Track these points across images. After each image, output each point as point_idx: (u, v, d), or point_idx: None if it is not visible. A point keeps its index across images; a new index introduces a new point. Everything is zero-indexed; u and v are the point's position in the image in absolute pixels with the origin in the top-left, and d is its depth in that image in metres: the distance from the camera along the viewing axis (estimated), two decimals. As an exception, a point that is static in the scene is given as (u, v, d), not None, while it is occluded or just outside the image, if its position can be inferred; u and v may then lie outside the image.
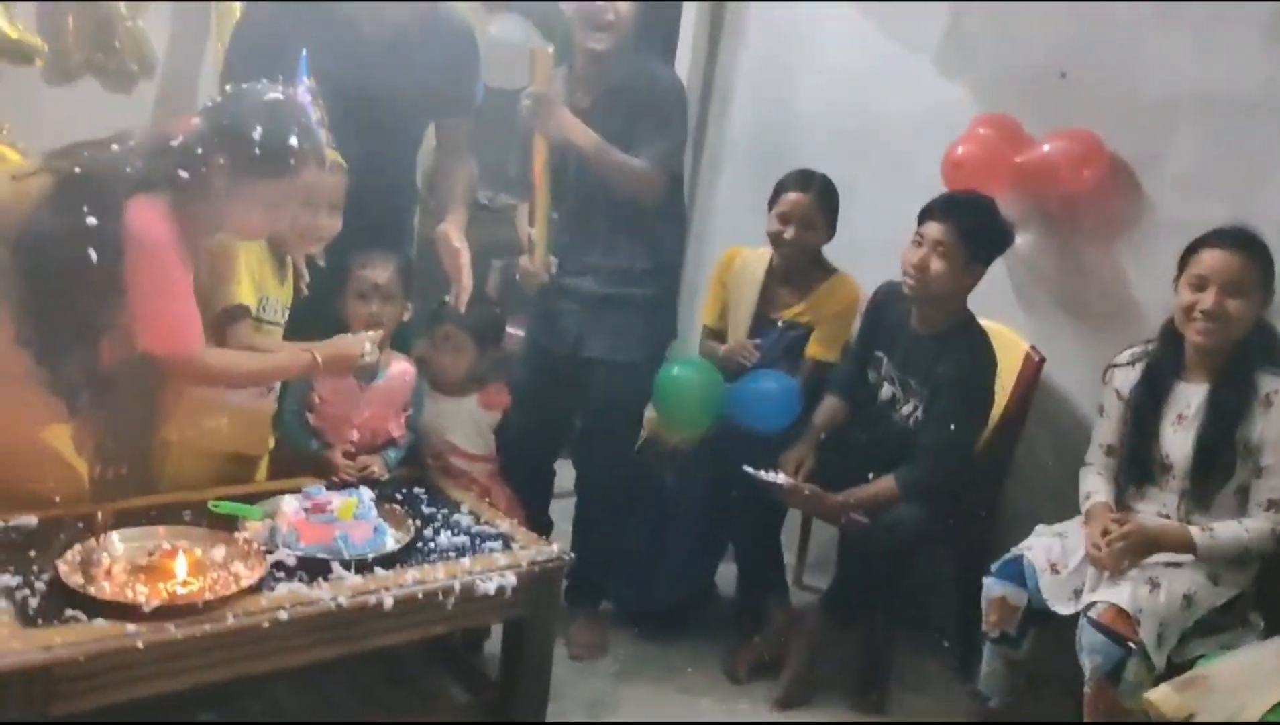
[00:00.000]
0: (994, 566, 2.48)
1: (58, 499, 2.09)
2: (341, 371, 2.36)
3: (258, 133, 2.03)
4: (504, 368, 2.78)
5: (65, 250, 1.95)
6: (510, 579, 2.12)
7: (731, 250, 3.17)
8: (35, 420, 2.07)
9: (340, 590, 1.95)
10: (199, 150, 2.04)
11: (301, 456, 2.48)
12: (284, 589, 1.93)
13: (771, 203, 2.97)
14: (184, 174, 2.03)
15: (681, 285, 3.86)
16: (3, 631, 1.70)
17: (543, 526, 2.91)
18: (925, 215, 2.67)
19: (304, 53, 2.32)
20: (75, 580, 1.82)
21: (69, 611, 1.76)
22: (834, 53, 3.53)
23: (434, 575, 2.06)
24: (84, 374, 2.06)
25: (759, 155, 3.68)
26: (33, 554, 1.92)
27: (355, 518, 2.11)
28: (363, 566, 2.03)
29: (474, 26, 2.74)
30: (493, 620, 2.35)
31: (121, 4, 2.65)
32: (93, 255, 1.95)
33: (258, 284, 2.33)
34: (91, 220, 1.95)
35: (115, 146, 2.07)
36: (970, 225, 2.61)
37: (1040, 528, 2.51)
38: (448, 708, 2.38)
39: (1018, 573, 2.42)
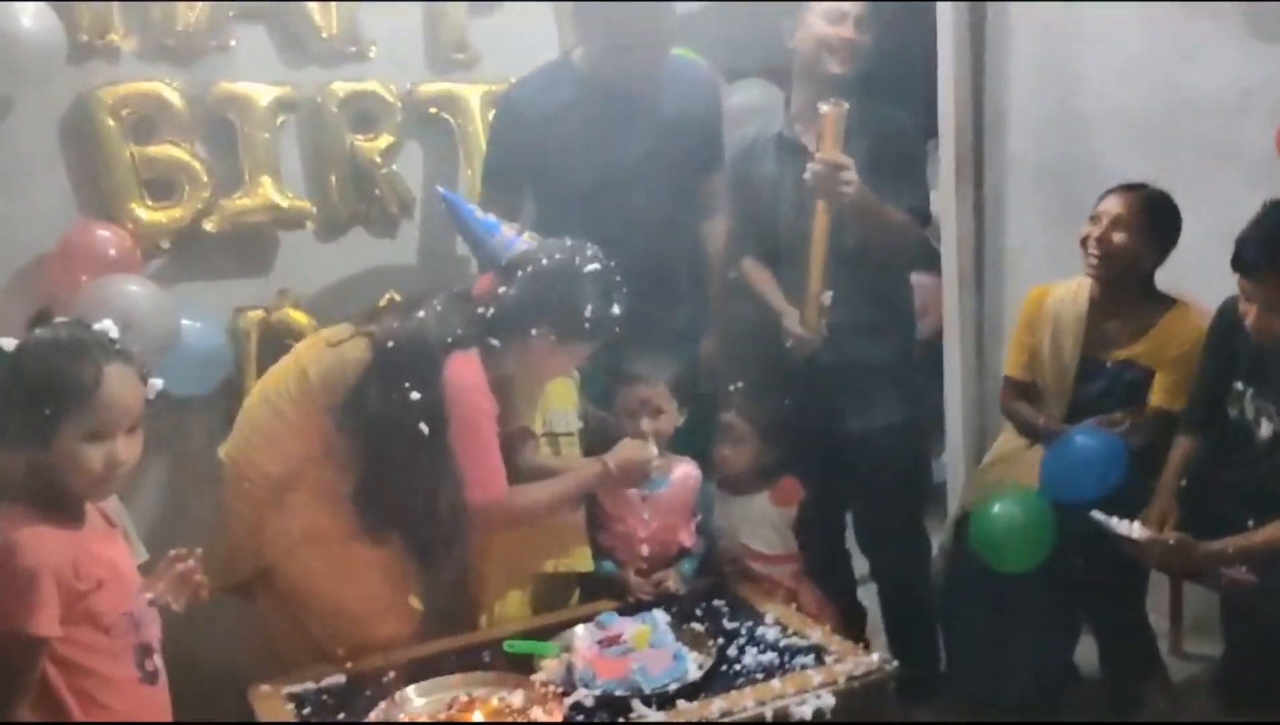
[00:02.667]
0: None
1: (398, 644, 2.13)
2: (637, 479, 2.29)
3: (589, 310, 2.10)
4: (796, 460, 2.54)
5: (394, 422, 2.02)
6: (828, 699, 1.89)
7: (1038, 289, 2.73)
8: (380, 573, 2.13)
9: (643, 730, 1.80)
10: (521, 322, 2.10)
11: (598, 580, 2.38)
12: (584, 733, 1.80)
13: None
14: (495, 342, 2.10)
15: (983, 333, 3.56)
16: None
17: (855, 616, 2.66)
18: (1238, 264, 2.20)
19: (442, 190, 2.37)
20: (379, 744, 1.78)
21: (375, 779, 1.72)
22: (1123, 41, 3.11)
23: (741, 704, 1.87)
24: (428, 530, 2.10)
25: (1049, 174, 3.29)
26: (342, 716, 1.91)
27: (651, 645, 1.97)
28: (665, 700, 1.87)
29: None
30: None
31: (374, 153, 2.72)
32: (424, 429, 2.02)
33: (539, 402, 2.29)
34: (415, 395, 2.02)
35: (421, 313, 2.13)
36: None
37: None
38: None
39: None
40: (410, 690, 1.92)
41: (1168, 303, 2.54)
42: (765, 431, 2.45)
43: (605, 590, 2.34)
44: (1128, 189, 2.53)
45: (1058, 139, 3.29)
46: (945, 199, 3.59)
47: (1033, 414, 2.64)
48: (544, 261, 2.13)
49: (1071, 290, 2.63)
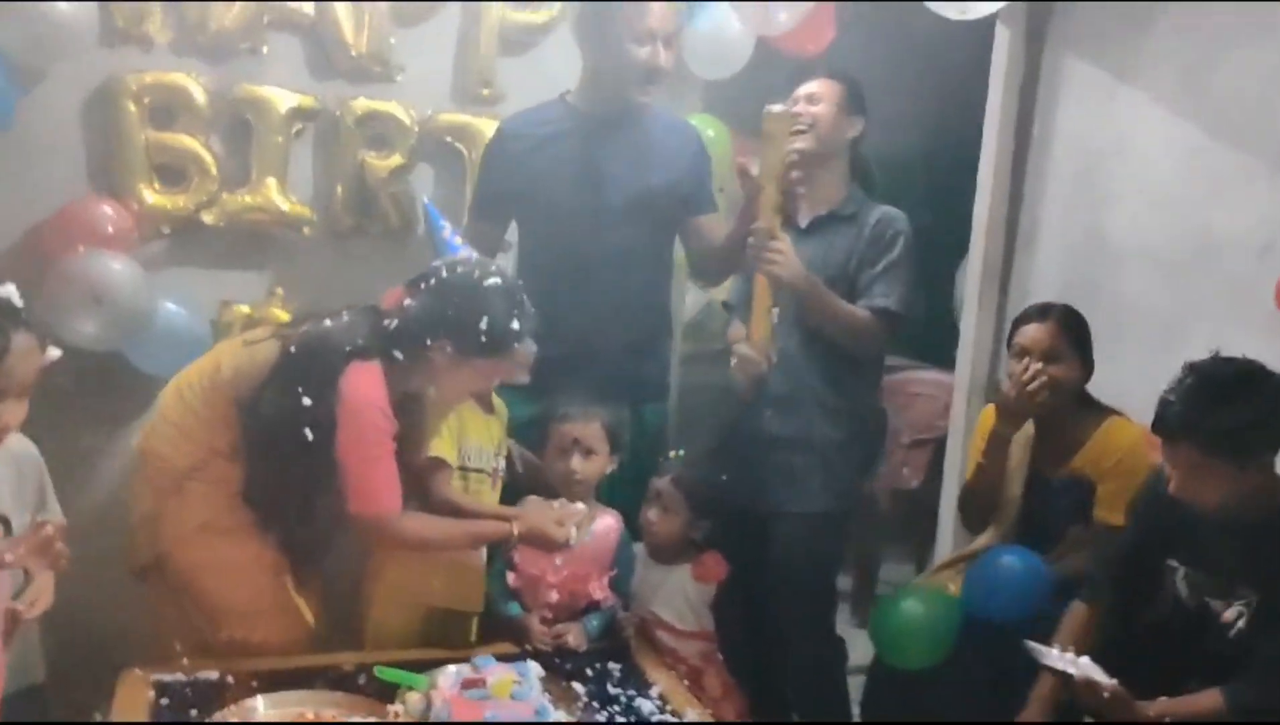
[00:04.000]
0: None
1: (283, 648, 2.14)
2: (541, 548, 2.27)
3: (484, 322, 2.08)
4: (723, 535, 2.49)
5: (284, 425, 2.05)
6: (673, 783, 1.83)
7: (988, 410, 2.69)
8: (265, 571, 2.14)
9: (473, 783, 1.77)
10: (420, 333, 2.10)
11: (501, 620, 2.36)
12: (417, 776, 1.78)
13: (1008, 345, 2.55)
14: (399, 355, 2.10)
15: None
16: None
17: (778, 706, 2.59)
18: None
19: (426, 200, 2.52)
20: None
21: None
22: (1157, 169, 3.01)
23: (583, 772, 1.83)
24: (303, 533, 2.13)
25: (1072, 297, 3.16)
26: (194, 714, 1.93)
27: (513, 696, 1.93)
28: (509, 754, 1.84)
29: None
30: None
31: (383, 172, 2.80)
32: (308, 434, 2.04)
33: (457, 433, 2.30)
34: (307, 401, 2.04)
35: (330, 322, 2.16)
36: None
37: None
38: None
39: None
40: (259, 699, 1.92)
41: (1104, 414, 2.51)
42: (697, 504, 2.40)
43: (505, 632, 2.32)
44: (1042, 314, 2.53)
45: (1084, 262, 3.19)
46: (969, 306, 3.52)
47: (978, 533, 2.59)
48: (444, 274, 2.14)
49: None
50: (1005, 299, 3.47)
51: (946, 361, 3.81)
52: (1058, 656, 2.18)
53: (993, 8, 2.85)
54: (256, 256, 2.80)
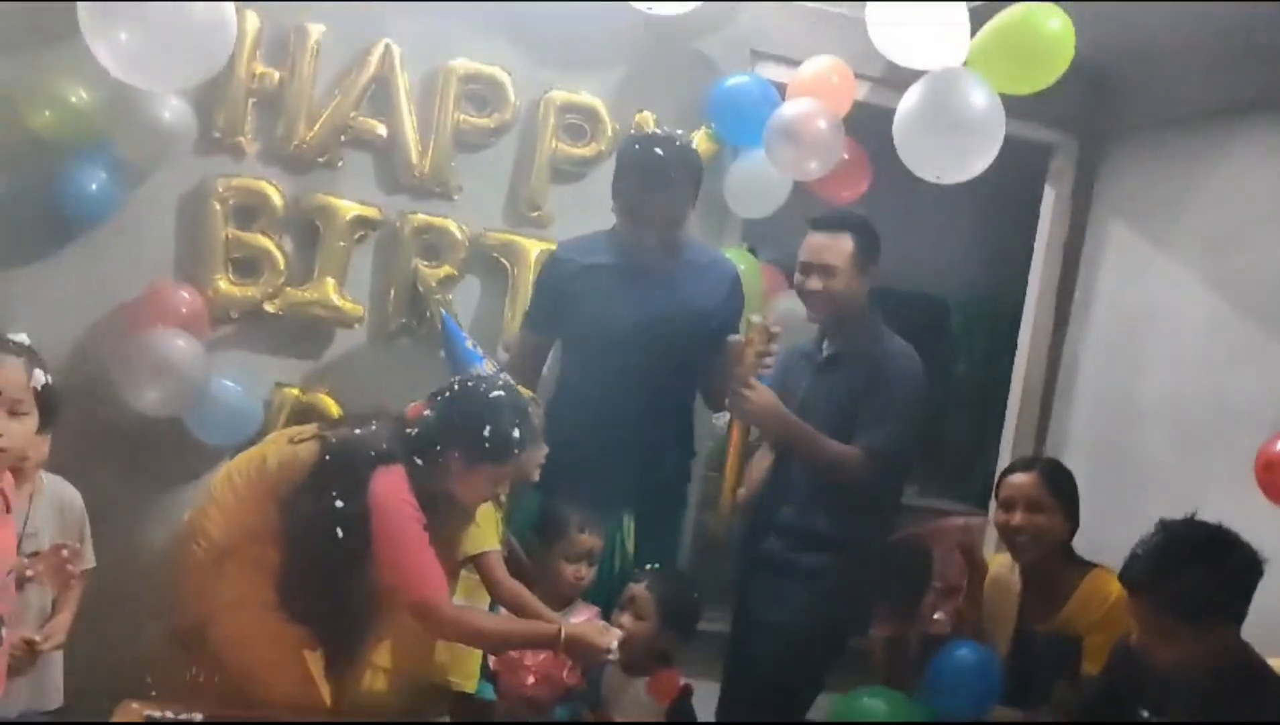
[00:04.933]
0: None
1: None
2: (582, 660, 2.34)
3: (487, 431, 2.26)
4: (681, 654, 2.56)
5: (318, 521, 2.24)
6: None
7: (996, 556, 2.75)
8: (290, 647, 2.32)
9: None
10: (434, 442, 2.29)
11: (469, 704, 2.48)
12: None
13: (996, 493, 2.56)
14: (419, 461, 2.29)
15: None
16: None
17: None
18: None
19: (444, 313, 2.80)
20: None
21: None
22: (1186, 335, 3.02)
23: None
24: (335, 622, 2.31)
25: (1101, 458, 3.19)
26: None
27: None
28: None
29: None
30: None
31: (433, 279, 3.06)
32: (340, 532, 2.23)
33: (494, 521, 2.48)
34: (339, 503, 2.24)
35: (360, 431, 2.36)
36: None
37: None
38: None
39: None
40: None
41: (1085, 569, 2.52)
42: (668, 614, 2.48)
43: (473, 714, 2.43)
44: (1028, 467, 2.59)
45: (1115, 424, 3.20)
46: (1003, 456, 3.53)
47: None
48: (456, 387, 2.34)
49: (1007, 564, 2.63)
50: (1042, 450, 3.47)
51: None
52: None
53: (684, 8, 2.99)
54: (312, 346, 3.09)
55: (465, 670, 2.46)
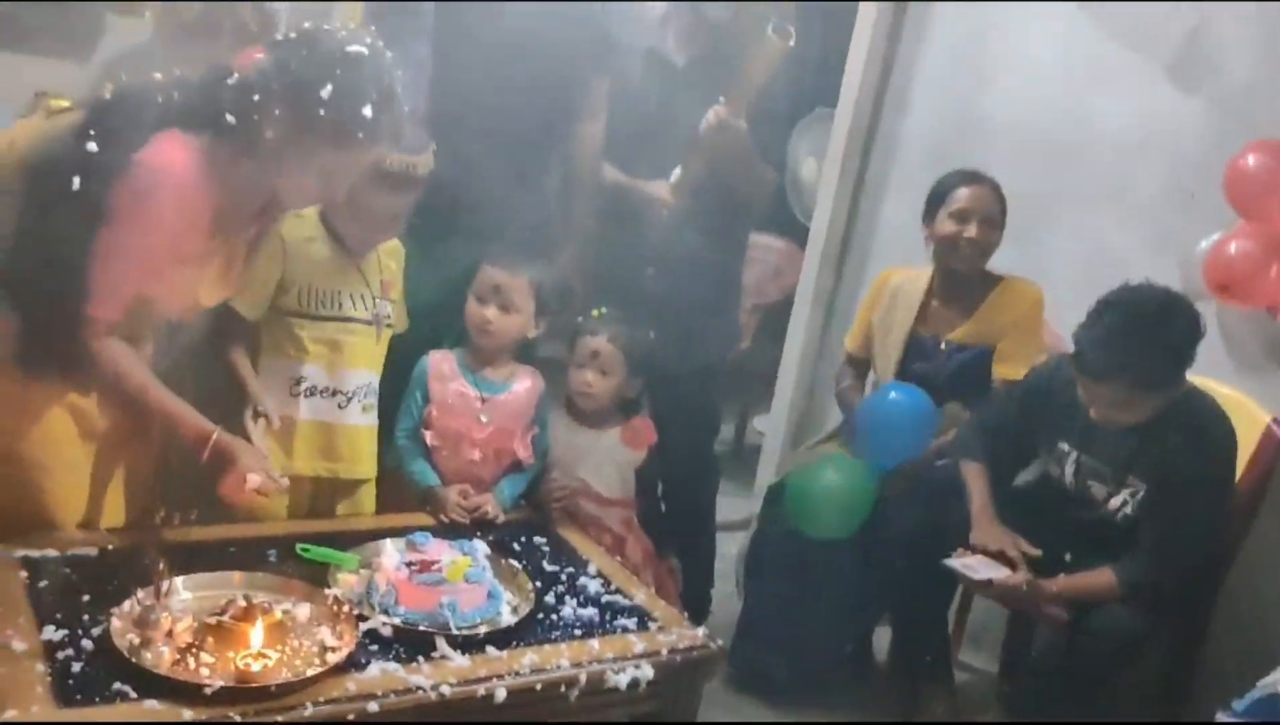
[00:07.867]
0: (1238, 705, 1.98)
1: (71, 524, 1.78)
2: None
3: (327, 90, 1.67)
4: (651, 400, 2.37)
5: (49, 193, 1.62)
6: (646, 671, 1.73)
7: (885, 272, 2.78)
8: (24, 414, 1.72)
9: (443, 675, 1.59)
10: (255, 95, 1.69)
11: (410, 487, 2.13)
12: (376, 669, 1.57)
13: (934, 206, 2.58)
14: (231, 118, 1.68)
15: (835, 311, 3.50)
16: (35, 709, 1.37)
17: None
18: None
19: None
20: (128, 643, 1.49)
21: (116, 685, 1.43)
22: (1036, 49, 3.05)
23: (556, 660, 1.68)
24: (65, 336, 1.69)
25: (936, 165, 3.20)
26: (86, 599, 1.60)
27: (466, 579, 1.75)
28: (471, 643, 1.67)
29: None
30: (617, 718, 1.85)
31: None
32: (75, 182, 1.60)
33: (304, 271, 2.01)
34: (92, 146, 1.62)
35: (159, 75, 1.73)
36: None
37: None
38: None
39: (1270, 712, 1.93)
40: (179, 581, 1.63)
41: (994, 280, 2.61)
42: (635, 364, 2.26)
43: (419, 503, 2.12)
44: (975, 180, 2.57)
45: (953, 136, 3.22)
46: (829, 169, 3.48)
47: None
48: (307, 28, 1.73)
49: (914, 275, 2.69)
50: (862, 178, 3.46)
51: (773, 227, 3.84)
52: (976, 571, 2.25)
53: None
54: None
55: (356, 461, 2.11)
